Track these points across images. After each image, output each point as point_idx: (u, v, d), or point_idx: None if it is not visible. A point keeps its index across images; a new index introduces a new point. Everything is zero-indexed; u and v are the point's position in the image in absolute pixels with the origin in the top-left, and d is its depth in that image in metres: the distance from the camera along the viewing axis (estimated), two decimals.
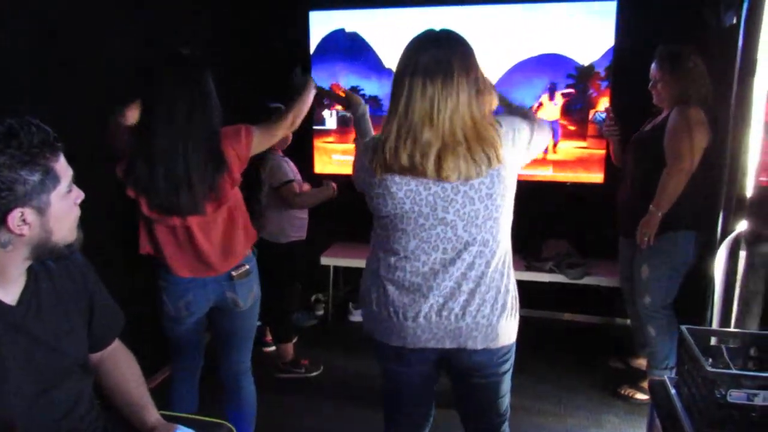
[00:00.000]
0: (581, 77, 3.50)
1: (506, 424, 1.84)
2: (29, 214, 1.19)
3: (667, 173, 2.63)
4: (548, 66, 3.54)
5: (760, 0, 2.07)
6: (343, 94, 2.18)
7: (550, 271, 3.49)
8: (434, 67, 1.46)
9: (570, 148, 3.59)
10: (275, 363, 3.32)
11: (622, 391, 2.99)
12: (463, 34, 1.56)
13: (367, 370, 3.23)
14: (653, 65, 2.76)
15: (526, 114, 1.68)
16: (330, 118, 3.95)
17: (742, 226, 2.15)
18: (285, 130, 2.15)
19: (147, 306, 2.19)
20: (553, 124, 3.55)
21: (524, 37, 3.53)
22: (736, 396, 1.37)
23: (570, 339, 3.71)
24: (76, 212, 1.31)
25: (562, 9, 3.46)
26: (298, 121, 2.18)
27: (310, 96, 2.22)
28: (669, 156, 2.64)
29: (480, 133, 1.48)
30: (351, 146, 3.91)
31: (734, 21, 2.55)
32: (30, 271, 1.31)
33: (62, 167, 1.24)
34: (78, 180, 1.30)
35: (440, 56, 1.47)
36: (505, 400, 1.79)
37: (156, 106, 1.89)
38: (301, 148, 3.68)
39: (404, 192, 1.53)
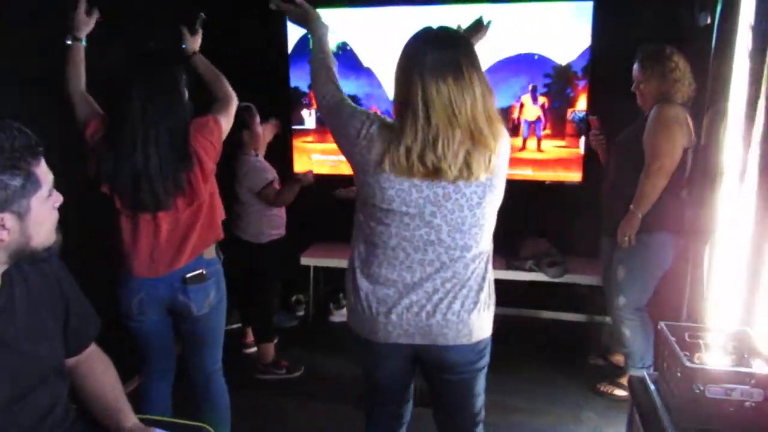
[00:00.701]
0: (558, 77, 3.52)
1: (481, 426, 1.84)
2: (9, 219, 1.17)
3: (645, 173, 2.63)
4: (525, 66, 3.56)
5: (734, 0, 2.10)
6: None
7: (530, 269, 3.51)
8: (443, 65, 1.42)
9: (549, 148, 3.61)
10: (256, 364, 3.29)
11: (601, 388, 3.02)
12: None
13: (349, 370, 3.22)
14: (635, 66, 2.75)
15: None
16: (309, 118, 3.93)
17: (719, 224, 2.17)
18: (234, 101, 2.13)
19: (114, 309, 2.15)
20: (536, 124, 3.58)
21: (501, 37, 3.54)
22: (714, 391, 1.39)
23: (549, 337, 3.73)
24: (55, 216, 1.29)
25: (539, 9, 3.48)
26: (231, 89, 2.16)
27: (209, 63, 2.22)
28: (648, 155, 2.64)
29: (495, 130, 1.48)
30: (331, 146, 3.88)
31: (708, 21, 2.59)
32: (4, 275, 1.28)
33: (43, 172, 1.22)
34: (56, 183, 1.28)
35: (446, 55, 1.44)
36: (479, 401, 1.78)
37: (118, 101, 1.88)
38: (280, 148, 3.65)
39: (395, 191, 1.51)
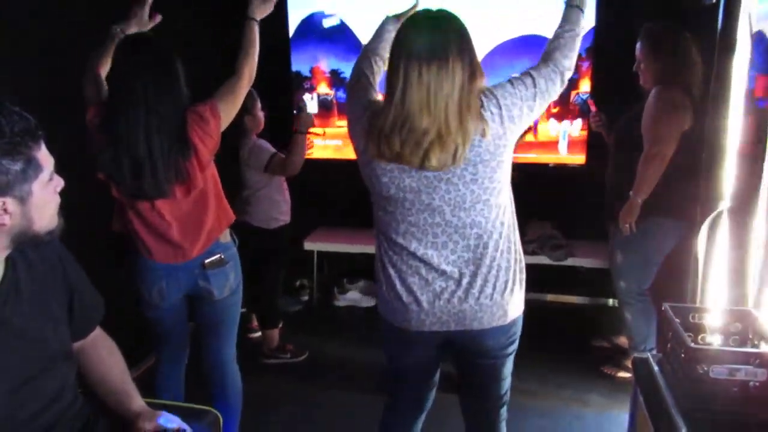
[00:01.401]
0: None
1: (505, 408, 1.86)
2: (10, 203, 1.17)
3: (643, 158, 2.59)
4: (529, 48, 3.52)
5: None
6: None
7: (533, 253, 3.51)
8: (430, 51, 1.42)
9: (552, 130, 3.60)
10: (261, 349, 3.31)
11: (605, 370, 3.03)
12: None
13: (353, 354, 3.24)
14: (638, 45, 2.70)
15: (556, 42, 1.65)
16: (311, 102, 3.91)
17: (723, 205, 2.16)
18: (245, 87, 2.06)
19: (130, 294, 2.17)
20: None
21: (503, 19, 3.51)
22: (717, 371, 1.39)
23: (553, 320, 3.74)
24: (57, 200, 1.29)
25: None
26: (254, 71, 2.08)
27: (255, 35, 2.08)
28: (646, 140, 2.59)
29: (464, 122, 1.45)
30: (333, 130, 3.88)
31: (713, 0, 2.56)
32: (8, 260, 1.28)
33: (44, 156, 1.22)
34: (59, 167, 1.28)
35: (436, 40, 1.44)
36: (506, 383, 1.81)
37: (118, 89, 1.88)
38: (282, 133, 3.64)
39: (388, 177, 1.52)
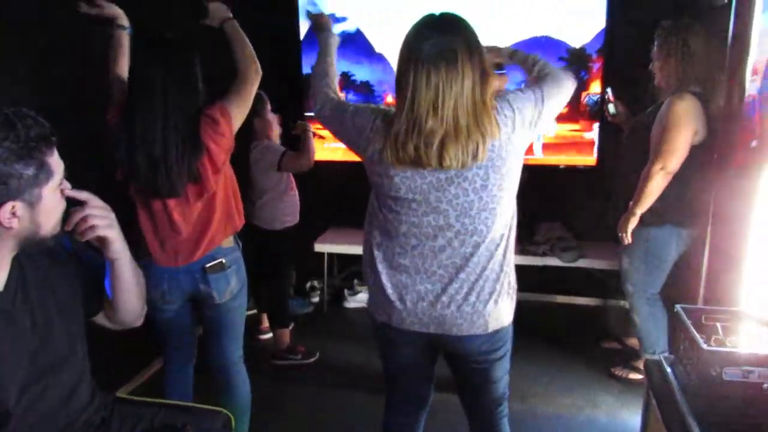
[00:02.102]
0: (573, 60, 3.49)
1: (504, 406, 1.85)
2: (20, 207, 1.18)
3: (646, 172, 2.55)
4: (540, 49, 3.52)
5: None
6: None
7: (544, 254, 3.50)
8: (438, 54, 1.43)
9: (562, 131, 3.59)
10: (271, 350, 3.32)
11: (616, 372, 3.02)
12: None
13: (363, 356, 3.24)
14: (654, 43, 2.65)
15: (541, 76, 1.64)
16: None
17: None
18: (253, 81, 2.07)
19: None
20: None
21: (515, 20, 3.51)
22: (731, 373, 1.38)
23: (564, 321, 3.73)
24: (63, 205, 1.30)
25: None
26: (258, 66, 2.10)
27: (239, 31, 2.12)
28: (653, 152, 2.55)
29: (479, 120, 1.46)
30: None
31: (725, 1, 2.54)
32: (14, 259, 1.29)
33: (56, 161, 1.23)
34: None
35: (443, 43, 1.44)
36: (501, 385, 1.79)
37: (136, 88, 1.89)
38: (292, 134, 3.65)
39: (400, 178, 1.53)
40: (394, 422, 1.93)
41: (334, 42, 1.95)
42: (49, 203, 1.22)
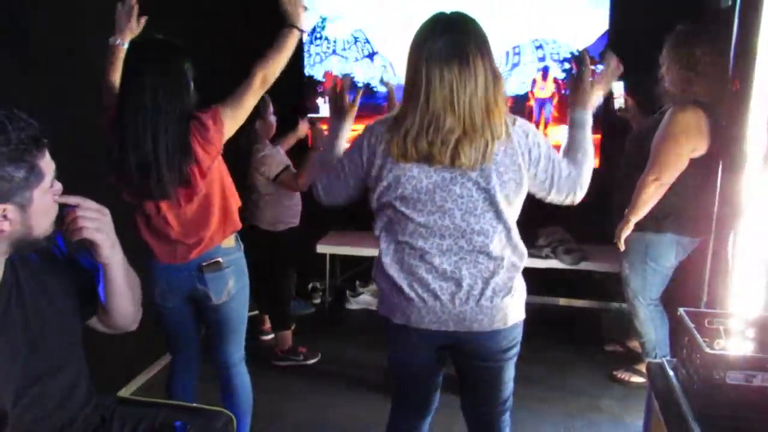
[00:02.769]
0: (575, 62, 3.49)
1: (507, 414, 1.85)
2: (11, 210, 1.17)
3: (642, 181, 2.53)
4: (542, 51, 3.53)
5: None
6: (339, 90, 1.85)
7: (547, 257, 3.50)
8: (449, 52, 1.44)
9: (546, 134, 3.59)
10: (273, 351, 3.32)
11: (618, 375, 3.01)
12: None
13: (365, 357, 3.24)
14: (664, 47, 2.61)
15: (571, 159, 1.67)
16: (324, 105, 3.93)
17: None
18: (255, 92, 1.97)
19: (145, 295, 2.18)
20: (544, 103, 3.56)
21: (518, 22, 3.51)
22: (734, 377, 1.37)
23: (566, 324, 3.73)
24: (56, 207, 1.28)
25: None
26: (272, 78, 1.97)
27: (291, 43, 1.98)
28: (650, 161, 2.53)
29: (491, 119, 1.48)
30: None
31: (729, 3, 2.53)
32: (7, 261, 1.28)
33: (46, 163, 1.22)
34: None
35: (454, 41, 1.45)
36: (508, 388, 1.79)
37: (127, 92, 1.89)
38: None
39: (406, 177, 1.54)
40: (398, 425, 1.93)
41: (347, 133, 1.84)
42: (40, 205, 1.21)
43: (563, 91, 3.54)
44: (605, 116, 3.30)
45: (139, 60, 1.91)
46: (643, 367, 2.87)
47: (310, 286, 4.17)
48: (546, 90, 3.55)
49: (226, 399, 2.24)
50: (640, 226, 2.62)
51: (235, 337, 2.22)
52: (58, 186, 1.28)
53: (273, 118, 3.13)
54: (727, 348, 1.54)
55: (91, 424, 1.48)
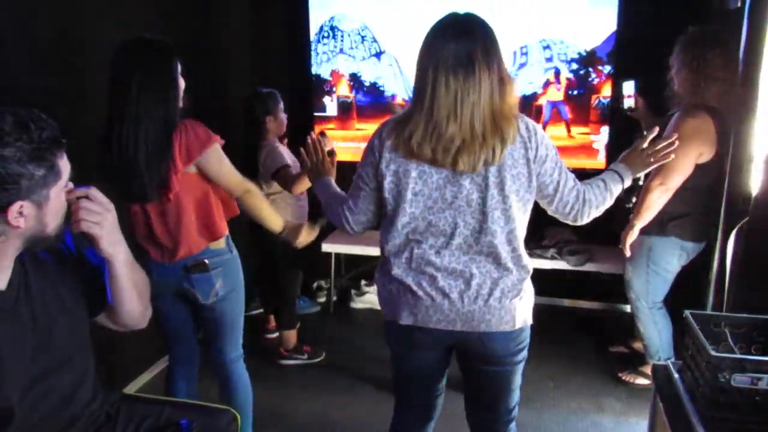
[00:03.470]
0: (584, 62, 3.48)
1: (513, 424, 1.82)
2: (28, 207, 1.19)
3: (648, 186, 2.51)
4: (550, 51, 3.52)
5: None
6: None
7: (552, 258, 3.49)
8: (456, 60, 1.45)
9: (572, 135, 3.58)
10: (278, 350, 3.32)
11: (623, 377, 3.00)
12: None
13: (370, 356, 3.24)
14: (674, 49, 2.58)
15: (588, 183, 1.71)
16: (331, 104, 3.93)
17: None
18: (236, 186, 2.05)
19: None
20: (558, 105, 3.55)
21: (525, 22, 3.50)
22: (739, 380, 1.37)
23: (571, 325, 3.72)
24: (66, 205, 1.30)
25: None
26: (254, 211, 2.13)
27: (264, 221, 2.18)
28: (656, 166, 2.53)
29: (498, 124, 1.49)
30: (352, 133, 3.90)
31: (738, 4, 2.52)
32: (17, 258, 1.30)
33: (64, 163, 1.25)
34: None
35: (463, 48, 1.46)
36: (515, 396, 1.77)
37: (113, 92, 1.89)
38: (302, 135, 3.66)
39: (417, 172, 1.54)
40: (402, 428, 1.92)
41: (332, 182, 1.99)
42: (56, 203, 1.24)
43: (572, 91, 3.53)
44: (614, 112, 3.29)
45: (126, 61, 1.89)
46: (647, 369, 2.87)
47: (315, 285, 4.18)
48: (560, 92, 3.55)
49: (224, 396, 2.25)
50: (643, 230, 2.61)
51: (231, 336, 2.21)
52: (71, 186, 1.30)
53: (284, 116, 3.11)
54: (733, 351, 1.53)
55: (96, 421, 1.49)
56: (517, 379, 1.73)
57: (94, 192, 1.31)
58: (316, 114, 3.96)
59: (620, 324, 3.59)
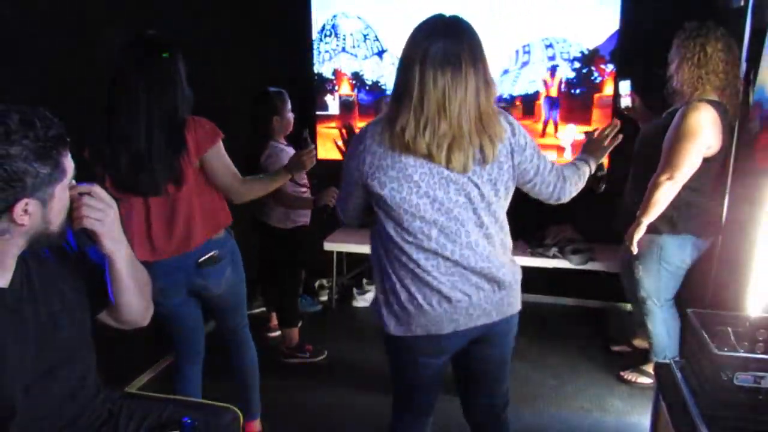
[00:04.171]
0: (586, 61, 3.47)
1: (507, 410, 1.89)
2: (32, 205, 1.19)
3: (654, 181, 2.50)
4: (552, 50, 3.52)
5: None
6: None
7: (554, 256, 3.49)
8: (444, 58, 1.46)
9: (574, 133, 3.57)
10: (280, 348, 3.33)
11: (625, 376, 2.99)
12: (469, 20, 1.54)
13: (371, 355, 3.24)
14: (673, 44, 2.58)
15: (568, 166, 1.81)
16: (333, 103, 3.93)
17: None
18: (233, 186, 2.08)
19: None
20: (555, 102, 3.56)
21: (528, 20, 3.50)
22: (742, 378, 1.37)
23: (573, 324, 3.71)
24: (69, 202, 1.30)
25: None
26: (242, 196, 2.13)
27: (278, 185, 2.28)
28: (662, 161, 2.50)
29: (485, 124, 1.51)
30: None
31: (741, 3, 2.51)
32: (20, 256, 1.30)
33: (69, 162, 1.25)
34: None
35: (449, 48, 1.46)
36: (508, 377, 1.86)
37: (117, 87, 1.90)
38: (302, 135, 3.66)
39: (419, 174, 1.53)
40: (403, 429, 1.92)
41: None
42: (59, 202, 1.25)
43: (573, 90, 3.53)
44: (614, 109, 3.28)
45: (130, 57, 1.90)
46: (650, 368, 2.86)
47: (317, 283, 4.18)
48: (554, 88, 3.55)
49: (235, 360, 2.35)
50: (653, 228, 2.59)
51: (239, 309, 2.33)
52: (73, 183, 1.30)
53: (291, 116, 3.09)
54: (736, 349, 1.53)
55: (98, 418, 1.49)
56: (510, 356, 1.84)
57: (97, 189, 1.31)
58: (318, 113, 3.96)
59: (622, 323, 3.58)
